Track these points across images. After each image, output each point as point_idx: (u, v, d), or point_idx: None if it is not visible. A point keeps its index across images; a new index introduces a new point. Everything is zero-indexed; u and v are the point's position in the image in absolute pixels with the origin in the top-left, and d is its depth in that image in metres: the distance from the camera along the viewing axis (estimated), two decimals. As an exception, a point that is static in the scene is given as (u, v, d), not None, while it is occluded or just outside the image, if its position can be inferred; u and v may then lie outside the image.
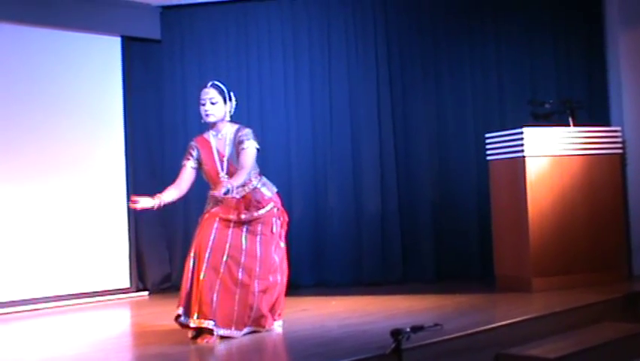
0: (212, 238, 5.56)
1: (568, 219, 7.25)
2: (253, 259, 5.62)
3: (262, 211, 5.70)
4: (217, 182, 5.61)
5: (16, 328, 6.69)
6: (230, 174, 5.64)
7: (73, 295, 7.67)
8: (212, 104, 5.70)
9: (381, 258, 8.18)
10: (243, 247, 5.61)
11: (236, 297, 5.54)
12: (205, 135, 5.80)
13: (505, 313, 6.17)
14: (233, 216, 5.63)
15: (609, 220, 7.44)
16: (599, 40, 8.25)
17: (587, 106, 7.95)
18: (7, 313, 7.18)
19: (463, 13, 8.38)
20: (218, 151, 5.72)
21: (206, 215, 5.72)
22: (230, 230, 5.61)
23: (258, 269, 5.63)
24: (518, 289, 7.10)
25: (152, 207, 5.60)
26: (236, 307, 5.53)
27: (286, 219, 5.90)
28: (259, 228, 5.68)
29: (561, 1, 8.32)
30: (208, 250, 5.53)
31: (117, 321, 7.19)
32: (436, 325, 5.10)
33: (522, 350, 5.50)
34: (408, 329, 4.82)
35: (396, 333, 4.76)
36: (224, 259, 5.54)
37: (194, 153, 5.75)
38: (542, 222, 7.15)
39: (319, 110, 8.32)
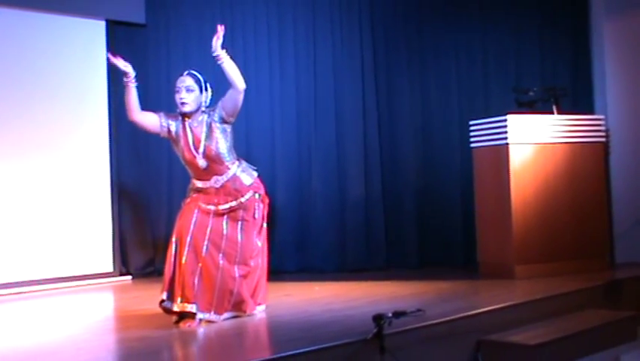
0: (193, 222, 5.55)
1: (551, 207, 7.28)
2: (234, 244, 5.63)
3: (242, 199, 5.67)
4: (196, 167, 5.62)
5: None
6: (207, 157, 5.60)
7: (55, 278, 7.64)
8: (188, 91, 5.59)
9: (364, 244, 8.19)
10: (224, 232, 5.61)
11: (217, 281, 5.54)
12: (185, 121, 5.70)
13: (488, 299, 6.19)
14: (212, 207, 5.61)
15: (592, 208, 7.48)
16: (584, 29, 8.27)
17: (571, 94, 7.99)
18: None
19: (449, 0, 8.37)
20: (194, 137, 5.63)
21: (188, 200, 5.72)
22: (211, 216, 5.61)
23: (238, 255, 5.64)
24: (501, 276, 7.12)
25: (124, 70, 5.60)
26: (216, 292, 5.54)
27: (267, 200, 5.88)
28: (240, 213, 5.67)
29: (546, -13, 8.35)
30: (189, 235, 5.52)
31: (100, 305, 7.17)
32: (418, 310, 5.12)
33: (504, 336, 5.53)
34: (390, 315, 4.85)
35: (378, 318, 4.79)
36: (206, 243, 5.54)
37: (172, 125, 5.67)
38: (525, 210, 7.18)
39: (304, 95, 8.31)
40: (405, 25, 8.36)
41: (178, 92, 5.61)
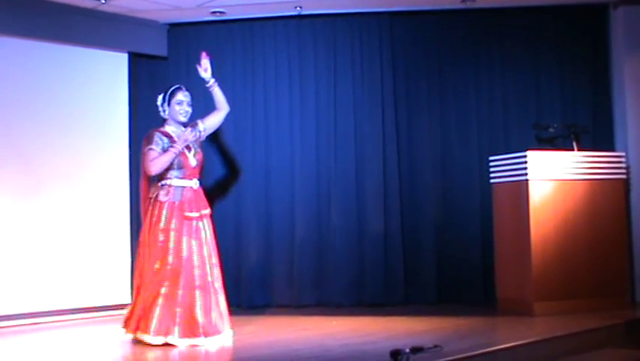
0: (197, 273, 6.08)
1: (571, 244, 7.24)
2: (215, 266, 6.21)
3: (206, 211, 6.26)
4: (187, 166, 6.19)
5: (15, 342, 6.67)
6: (197, 159, 6.29)
7: (73, 309, 7.66)
8: (189, 105, 6.43)
9: (383, 279, 8.15)
10: (207, 257, 6.16)
11: (221, 302, 6.15)
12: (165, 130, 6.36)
13: (506, 336, 6.15)
14: (196, 214, 6.14)
15: (612, 246, 7.44)
16: (604, 65, 8.27)
17: (591, 131, 7.98)
18: (7, 326, 7.18)
19: (469, 37, 8.39)
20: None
21: (167, 233, 6.11)
22: (194, 244, 6.10)
23: (217, 271, 6.24)
24: (520, 313, 7.09)
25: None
26: (222, 311, 6.11)
27: None
28: (207, 234, 6.21)
29: (567, 25, 8.33)
30: (197, 289, 6.02)
31: (117, 336, 7.15)
32: (435, 346, 5.10)
33: (522, 374, 5.49)
34: (407, 350, 4.83)
35: (395, 354, 4.77)
36: (210, 278, 6.13)
37: (165, 141, 6.24)
38: (545, 247, 7.15)
39: (324, 131, 8.31)
40: (425, 60, 8.37)
41: (181, 104, 6.38)
